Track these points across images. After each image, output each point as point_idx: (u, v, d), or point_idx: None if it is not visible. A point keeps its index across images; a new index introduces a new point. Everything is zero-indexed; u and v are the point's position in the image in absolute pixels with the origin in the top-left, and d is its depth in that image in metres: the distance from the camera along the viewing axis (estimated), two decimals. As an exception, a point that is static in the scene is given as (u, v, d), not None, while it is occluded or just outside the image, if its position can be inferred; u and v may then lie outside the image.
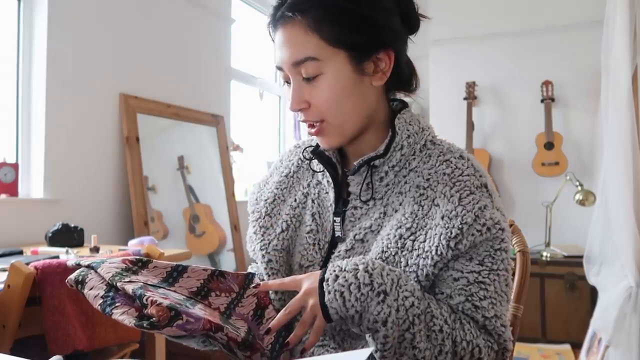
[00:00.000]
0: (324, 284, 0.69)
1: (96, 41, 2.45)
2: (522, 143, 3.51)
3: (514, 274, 0.93)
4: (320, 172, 0.89)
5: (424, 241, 0.75)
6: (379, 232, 0.80)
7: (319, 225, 0.86)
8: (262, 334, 0.76)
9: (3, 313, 1.28)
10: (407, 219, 0.77)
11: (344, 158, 0.89)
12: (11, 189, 2.13)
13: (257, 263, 0.93)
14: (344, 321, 0.70)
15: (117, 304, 0.66)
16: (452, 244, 0.73)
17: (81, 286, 0.70)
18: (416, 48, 0.90)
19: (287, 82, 0.82)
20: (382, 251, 0.77)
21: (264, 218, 0.89)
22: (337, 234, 0.84)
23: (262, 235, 0.88)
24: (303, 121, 0.82)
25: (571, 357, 2.76)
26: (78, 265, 0.74)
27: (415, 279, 0.75)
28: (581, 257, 2.52)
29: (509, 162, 3.58)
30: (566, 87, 3.41)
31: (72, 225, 2.01)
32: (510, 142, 3.58)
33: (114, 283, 0.68)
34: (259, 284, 0.78)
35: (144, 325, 0.61)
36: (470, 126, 3.53)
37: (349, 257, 0.80)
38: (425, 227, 0.76)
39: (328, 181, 0.86)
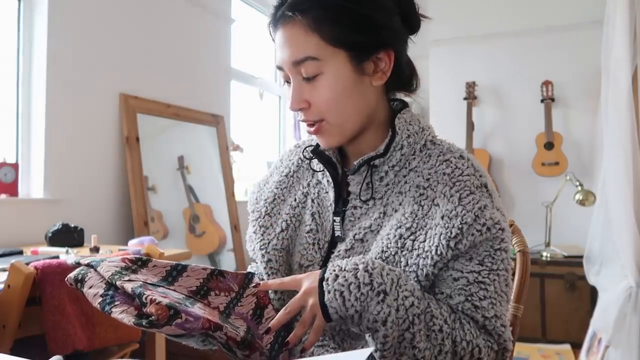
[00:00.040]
0: (324, 283, 0.69)
1: (96, 41, 2.46)
2: (522, 143, 3.51)
3: (514, 274, 0.92)
4: (320, 171, 0.89)
5: (424, 241, 0.75)
6: (378, 231, 0.80)
7: (319, 225, 0.86)
8: (261, 333, 0.76)
9: (3, 313, 1.28)
10: (407, 218, 0.77)
11: (344, 158, 0.89)
12: (11, 189, 2.13)
13: (256, 262, 0.93)
14: (344, 321, 0.70)
15: (116, 303, 0.66)
16: (452, 243, 0.73)
17: (80, 285, 0.70)
18: (416, 48, 0.90)
19: (288, 81, 0.82)
20: (382, 251, 0.77)
21: (263, 217, 0.89)
22: (337, 233, 0.84)
23: (262, 235, 0.88)
24: (303, 121, 0.82)
25: (571, 357, 2.76)
26: (78, 264, 0.74)
27: (415, 279, 0.75)
28: (581, 257, 2.52)
29: (509, 162, 3.58)
30: (566, 87, 3.41)
31: (72, 225, 2.01)
32: (510, 142, 3.58)
33: (114, 282, 0.68)
34: (259, 284, 0.78)
35: (143, 323, 0.61)
36: (470, 126, 3.53)
37: (349, 256, 0.80)
38: (425, 227, 0.76)
39: (328, 181, 0.86)
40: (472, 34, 3.66)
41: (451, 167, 0.79)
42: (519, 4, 3.54)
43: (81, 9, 2.38)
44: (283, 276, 0.85)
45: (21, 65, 2.25)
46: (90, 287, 0.69)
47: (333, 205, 0.85)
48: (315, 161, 0.89)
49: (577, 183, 3.07)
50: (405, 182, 0.81)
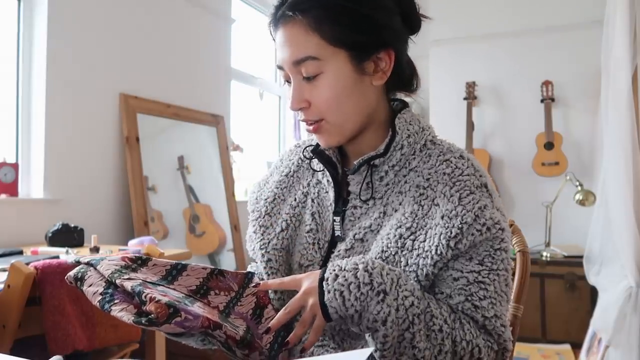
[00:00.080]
0: (324, 283, 0.69)
1: (96, 41, 2.46)
2: (522, 143, 3.51)
3: (514, 274, 0.92)
4: (320, 171, 0.89)
5: (424, 241, 0.75)
6: (378, 231, 0.80)
7: (319, 225, 0.86)
8: (261, 333, 0.76)
9: (3, 313, 1.28)
10: (407, 218, 0.77)
11: (344, 157, 0.89)
12: (11, 189, 2.13)
13: (256, 262, 0.93)
14: (344, 320, 0.70)
15: (115, 301, 0.66)
16: (452, 243, 0.73)
17: (80, 283, 0.70)
18: (416, 48, 0.89)
19: (288, 81, 0.82)
20: (382, 251, 0.77)
21: (263, 217, 0.89)
22: (337, 233, 0.84)
23: (262, 235, 0.88)
24: (303, 120, 0.82)
25: (571, 357, 2.76)
26: (77, 263, 0.74)
27: (415, 279, 0.75)
28: (581, 257, 2.52)
29: (509, 162, 3.58)
30: (566, 87, 3.41)
31: (72, 225, 2.01)
32: (510, 142, 3.58)
33: (113, 280, 0.68)
34: (259, 283, 0.78)
35: (143, 321, 0.61)
36: (470, 126, 3.53)
37: (349, 256, 0.80)
38: (425, 226, 0.76)
39: (328, 180, 0.86)
40: (472, 34, 3.66)
41: (451, 167, 0.79)
42: (519, 4, 3.54)
43: (81, 9, 2.38)
44: (283, 276, 0.85)
45: (21, 65, 2.25)
46: (90, 286, 0.69)
47: (333, 205, 0.85)
48: (315, 161, 0.89)
49: (577, 183, 3.07)
50: (405, 182, 0.81)
